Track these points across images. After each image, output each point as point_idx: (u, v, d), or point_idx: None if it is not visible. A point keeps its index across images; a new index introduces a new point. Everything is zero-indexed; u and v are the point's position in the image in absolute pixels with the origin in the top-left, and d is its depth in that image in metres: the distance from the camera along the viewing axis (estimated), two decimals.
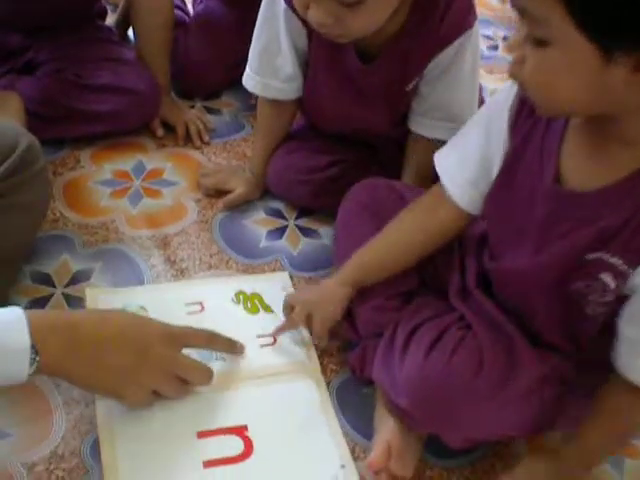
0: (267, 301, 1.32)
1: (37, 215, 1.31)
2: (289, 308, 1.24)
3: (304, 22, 1.26)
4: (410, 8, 1.23)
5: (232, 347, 1.20)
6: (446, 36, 1.26)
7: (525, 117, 1.01)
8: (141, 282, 1.34)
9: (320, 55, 1.33)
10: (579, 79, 0.83)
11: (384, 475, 1.06)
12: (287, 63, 1.36)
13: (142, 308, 1.26)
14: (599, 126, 0.91)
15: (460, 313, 1.13)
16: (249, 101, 1.79)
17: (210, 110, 1.78)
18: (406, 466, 1.08)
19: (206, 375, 1.13)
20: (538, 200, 0.99)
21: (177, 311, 1.27)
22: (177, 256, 1.40)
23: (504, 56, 2.19)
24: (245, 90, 1.47)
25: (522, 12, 0.84)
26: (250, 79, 1.43)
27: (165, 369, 1.08)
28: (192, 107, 1.77)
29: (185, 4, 1.92)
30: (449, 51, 1.27)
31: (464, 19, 1.26)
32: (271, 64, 1.38)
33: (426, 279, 1.22)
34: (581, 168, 0.95)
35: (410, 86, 1.33)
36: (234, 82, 1.81)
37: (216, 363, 1.18)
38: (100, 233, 1.41)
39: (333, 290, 1.20)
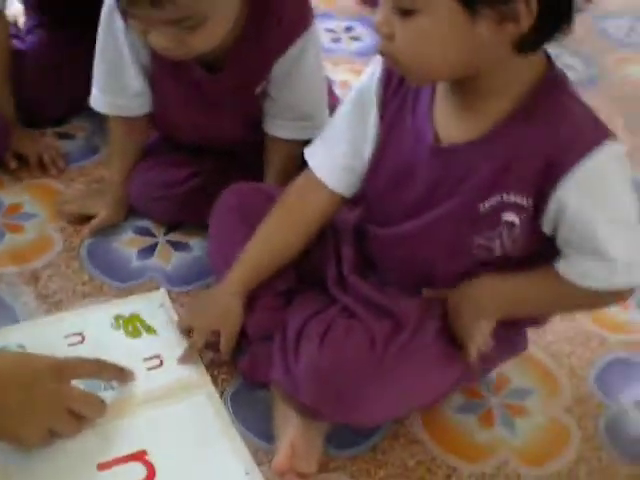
0: (148, 322, 1.30)
1: None
2: (186, 332, 1.23)
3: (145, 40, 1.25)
4: (247, 15, 1.25)
5: (121, 374, 1.18)
6: (286, 38, 1.28)
7: (394, 90, 1.07)
8: (15, 321, 1.30)
9: (164, 69, 1.33)
10: (450, 41, 0.90)
11: (290, 475, 1.07)
12: (133, 79, 1.35)
13: (20, 346, 1.22)
14: (465, 83, 0.98)
15: (342, 304, 1.15)
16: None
17: (62, 135, 1.74)
18: (310, 463, 1.10)
19: (99, 406, 1.11)
20: (421, 163, 1.05)
21: (57, 345, 1.24)
22: (49, 289, 1.36)
23: (347, 47, 2.24)
24: (96, 112, 1.45)
25: None
26: (98, 100, 1.41)
27: (56, 404, 1.06)
28: (43, 134, 1.72)
29: (20, 30, 1.86)
30: (291, 52, 1.29)
31: (301, 19, 1.28)
32: (117, 82, 1.36)
33: (302, 274, 1.24)
34: (454, 125, 1.03)
35: (258, 90, 1.34)
36: (83, 105, 1.79)
37: (106, 393, 1.16)
38: None
39: (228, 303, 1.20)
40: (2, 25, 1.61)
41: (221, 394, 1.21)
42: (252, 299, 1.21)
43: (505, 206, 1.00)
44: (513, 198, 0.99)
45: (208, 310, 1.22)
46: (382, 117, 1.09)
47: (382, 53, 0.97)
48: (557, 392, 1.29)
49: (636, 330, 1.42)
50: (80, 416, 1.08)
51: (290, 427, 1.12)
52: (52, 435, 1.06)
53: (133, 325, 1.30)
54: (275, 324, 1.18)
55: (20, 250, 1.44)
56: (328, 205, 1.18)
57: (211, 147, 1.46)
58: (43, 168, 1.62)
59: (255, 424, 1.18)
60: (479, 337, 1.07)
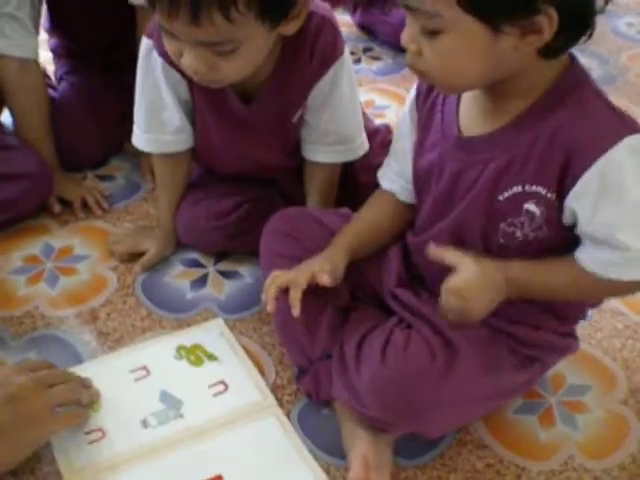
0: (209, 350, 1.34)
1: None
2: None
3: (183, 73, 1.29)
4: (282, 46, 1.28)
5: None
6: (320, 67, 1.31)
7: (425, 95, 1.14)
8: (79, 361, 1.34)
9: (203, 102, 1.37)
10: (476, 56, 0.95)
11: None
12: (173, 116, 1.39)
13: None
14: (491, 87, 1.03)
15: (398, 316, 1.19)
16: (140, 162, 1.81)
17: (102, 177, 1.79)
18: (383, 474, 1.12)
19: (84, 388, 1.21)
20: (447, 157, 1.10)
21: (124, 381, 1.29)
22: (108, 327, 1.40)
23: (369, 67, 2.30)
24: (132, 151, 1.49)
25: (413, 10, 0.95)
26: (140, 139, 1.45)
27: (41, 390, 1.14)
28: (84, 178, 1.77)
29: (50, 78, 1.91)
30: (325, 80, 1.33)
31: (334, 48, 1.31)
32: (158, 119, 1.40)
33: (356, 292, 1.28)
34: (476, 121, 1.07)
35: (295, 118, 1.38)
36: (119, 146, 1.84)
37: (176, 422, 1.21)
38: (26, 322, 1.41)
39: (332, 250, 1.22)
40: (37, 73, 1.66)
41: (287, 415, 1.25)
42: (314, 317, 1.23)
43: (526, 196, 1.02)
44: (534, 188, 1.02)
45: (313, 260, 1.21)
46: (418, 121, 1.16)
47: (411, 68, 1.02)
48: (613, 385, 1.32)
49: None
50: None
51: (359, 441, 1.15)
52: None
53: (195, 354, 1.33)
54: (334, 342, 1.22)
55: (76, 292, 1.48)
56: (400, 214, 1.26)
57: (253, 176, 1.51)
58: (87, 210, 1.67)
59: (324, 442, 1.21)
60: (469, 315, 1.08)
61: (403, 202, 1.25)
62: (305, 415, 1.25)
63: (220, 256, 1.56)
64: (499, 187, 1.04)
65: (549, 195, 1.01)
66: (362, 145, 1.43)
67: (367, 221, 1.27)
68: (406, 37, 0.98)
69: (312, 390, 1.25)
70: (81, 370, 1.30)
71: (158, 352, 1.35)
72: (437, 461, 1.19)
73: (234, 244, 1.52)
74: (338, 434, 1.19)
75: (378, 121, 1.77)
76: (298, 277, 1.17)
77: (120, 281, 1.51)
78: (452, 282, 1.05)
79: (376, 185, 1.28)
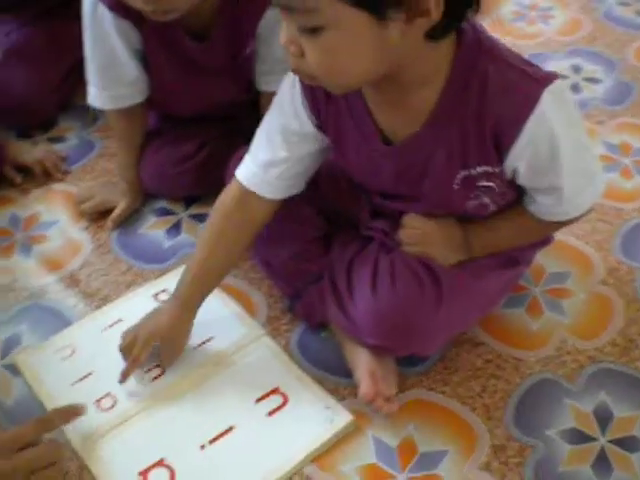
0: None
1: None
2: (128, 347, 1.21)
3: (133, 20, 1.29)
4: None
5: (68, 415, 1.15)
6: None
7: (324, 98, 1.06)
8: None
9: (156, 46, 1.36)
10: (363, 49, 0.87)
11: (378, 400, 1.14)
12: (129, 67, 1.38)
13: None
14: (388, 80, 0.95)
15: (379, 240, 1.21)
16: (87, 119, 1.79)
17: (54, 139, 1.76)
18: (390, 385, 1.16)
19: (55, 449, 1.11)
20: (380, 162, 1.08)
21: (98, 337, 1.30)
22: (92, 288, 1.41)
23: None
24: (79, 109, 1.46)
25: (288, 9, 0.86)
26: (96, 97, 1.43)
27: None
28: (36, 143, 1.74)
29: None
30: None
31: None
32: (113, 74, 1.39)
33: (333, 221, 1.29)
34: (394, 121, 1.04)
35: (248, 50, 1.37)
36: (64, 105, 1.81)
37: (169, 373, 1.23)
38: (9, 296, 1.40)
39: (175, 322, 1.21)
40: None
41: (287, 344, 1.28)
42: (283, 246, 1.25)
43: (476, 177, 1.03)
44: (480, 169, 1.02)
45: (155, 325, 1.21)
46: (323, 123, 1.09)
47: (296, 72, 0.95)
48: (590, 268, 1.38)
49: None
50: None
51: (362, 357, 1.18)
52: None
53: None
54: (320, 267, 1.25)
55: (52, 258, 1.48)
56: (271, 209, 1.19)
57: (212, 116, 1.50)
58: (47, 175, 1.65)
59: (327, 363, 1.24)
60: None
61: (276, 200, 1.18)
62: (305, 341, 1.28)
63: (189, 201, 1.56)
64: (448, 177, 1.04)
65: (496, 170, 1.02)
66: None
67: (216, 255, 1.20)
68: (284, 39, 0.90)
69: (307, 313, 1.28)
70: (67, 334, 1.32)
71: (135, 304, 1.35)
72: (438, 365, 1.23)
73: (202, 186, 1.52)
74: (340, 355, 1.23)
75: None
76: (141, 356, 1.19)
77: (94, 240, 1.50)
78: (408, 217, 1.13)
79: None
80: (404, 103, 1.00)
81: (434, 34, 0.89)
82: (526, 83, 0.96)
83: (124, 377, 1.20)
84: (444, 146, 1.01)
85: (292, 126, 1.11)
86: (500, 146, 0.99)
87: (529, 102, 0.95)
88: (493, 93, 0.95)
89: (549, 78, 0.96)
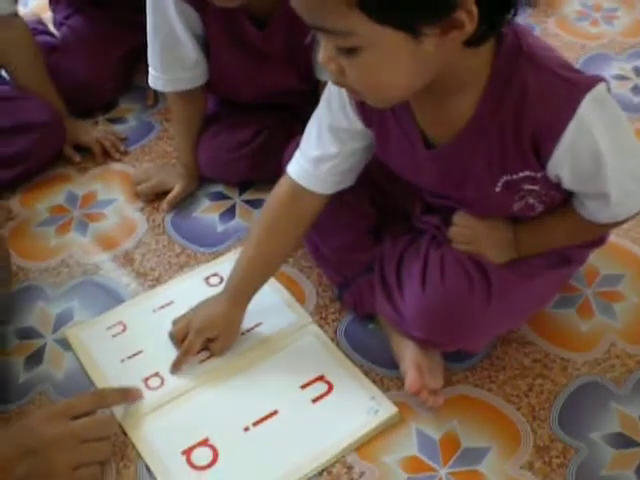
0: None
1: (3, 274, 1.32)
2: (180, 336, 1.24)
3: (195, 6, 1.31)
4: None
5: (125, 396, 1.18)
6: None
7: (369, 107, 1.04)
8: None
9: (218, 32, 1.37)
10: (401, 65, 0.87)
11: (424, 392, 1.14)
12: (189, 51, 1.40)
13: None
14: (429, 87, 0.94)
15: (430, 234, 1.21)
16: (146, 102, 1.81)
17: (114, 120, 1.79)
18: (437, 379, 1.17)
19: (110, 423, 1.14)
20: (423, 164, 1.07)
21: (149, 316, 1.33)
22: (145, 267, 1.43)
23: None
24: (139, 91, 1.48)
25: (323, 31, 0.87)
26: (157, 79, 1.45)
27: (67, 447, 1.06)
28: (96, 123, 1.77)
29: (47, 26, 1.89)
30: None
31: None
32: (174, 57, 1.41)
33: (385, 212, 1.30)
34: (436, 125, 1.03)
35: (308, 39, 1.37)
36: (125, 87, 1.84)
37: (216, 360, 1.25)
38: (63, 272, 1.43)
39: (228, 314, 1.23)
40: (21, 27, 1.62)
41: (335, 333, 1.28)
42: (334, 238, 1.27)
43: (519, 181, 1.02)
44: (522, 174, 1.01)
45: (205, 318, 1.24)
46: (368, 123, 1.09)
47: (338, 86, 0.96)
48: None
49: None
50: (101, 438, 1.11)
51: (409, 349, 1.18)
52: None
53: None
54: (370, 259, 1.25)
55: (107, 237, 1.50)
56: (321, 205, 1.19)
57: (270, 103, 1.51)
58: (106, 155, 1.68)
59: (374, 355, 1.25)
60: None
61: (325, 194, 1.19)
62: (351, 331, 1.29)
63: (244, 186, 1.58)
64: (490, 182, 1.03)
65: (539, 175, 1.01)
66: None
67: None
68: (323, 58, 0.90)
69: (356, 303, 1.29)
70: (118, 312, 1.34)
71: (187, 287, 1.37)
72: (485, 362, 1.23)
73: (256, 172, 1.53)
74: (386, 346, 1.23)
75: None
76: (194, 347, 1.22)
77: (150, 221, 1.53)
78: (459, 215, 1.13)
79: None
80: (444, 108, 1.00)
81: (472, 42, 0.88)
82: (566, 89, 0.93)
83: (176, 367, 1.23)
84: (483, 151, 1.01)
85: (341, 123, 1.11)
86: (540, 153, 0.98)
87: (568, 108, 0.93)
88: (532, 99, 0.94)
89: (591, 83, 0.94)
